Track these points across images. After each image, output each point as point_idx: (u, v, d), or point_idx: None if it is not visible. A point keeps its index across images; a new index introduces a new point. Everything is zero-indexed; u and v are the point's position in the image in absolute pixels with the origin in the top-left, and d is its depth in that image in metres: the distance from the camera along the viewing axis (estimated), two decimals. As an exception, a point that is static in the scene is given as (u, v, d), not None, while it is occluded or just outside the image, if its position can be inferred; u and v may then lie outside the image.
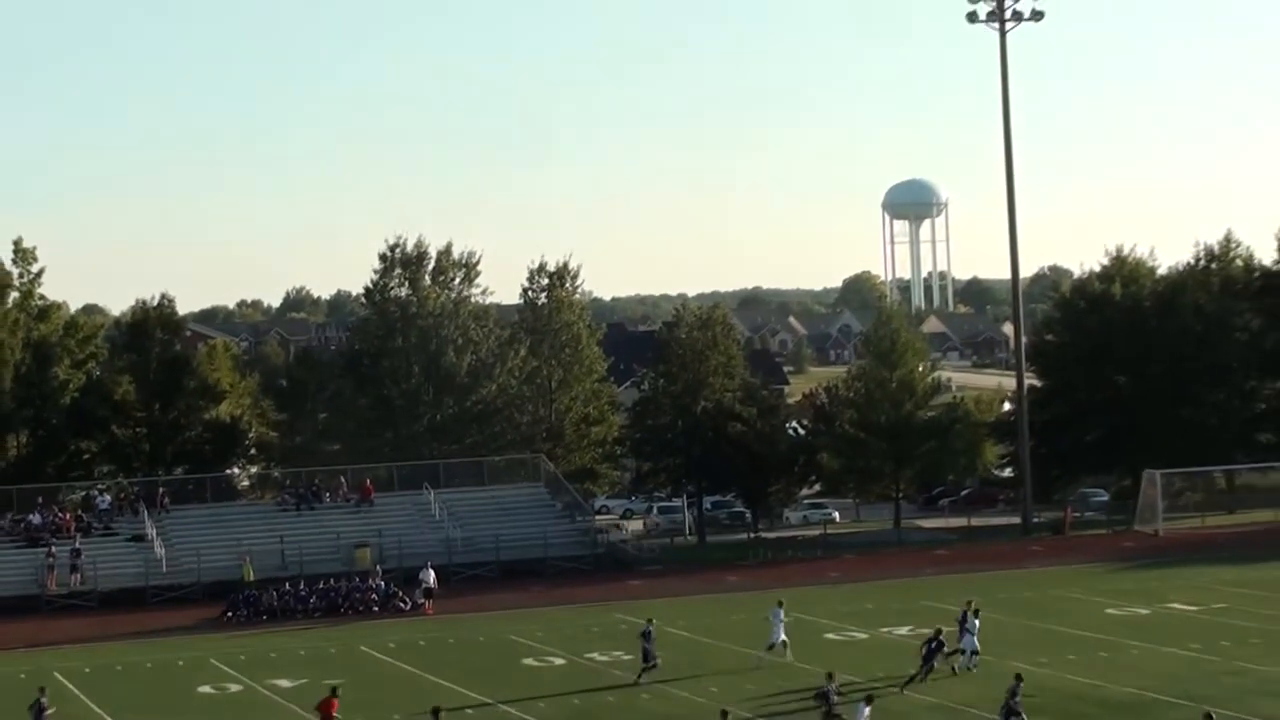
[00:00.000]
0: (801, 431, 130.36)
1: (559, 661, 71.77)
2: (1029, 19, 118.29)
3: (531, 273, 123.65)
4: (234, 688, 69.08)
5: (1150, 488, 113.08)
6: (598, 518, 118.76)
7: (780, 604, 69.20)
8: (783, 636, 67.46)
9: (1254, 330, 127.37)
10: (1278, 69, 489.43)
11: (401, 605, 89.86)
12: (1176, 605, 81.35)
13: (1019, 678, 53.56)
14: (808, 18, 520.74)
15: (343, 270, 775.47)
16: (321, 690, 58.67)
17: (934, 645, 61.13)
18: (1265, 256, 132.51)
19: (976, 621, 66.78)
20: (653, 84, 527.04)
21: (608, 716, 59.75)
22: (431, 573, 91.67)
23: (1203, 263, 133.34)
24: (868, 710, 51.68)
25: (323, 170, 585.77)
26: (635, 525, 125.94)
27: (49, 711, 57.01)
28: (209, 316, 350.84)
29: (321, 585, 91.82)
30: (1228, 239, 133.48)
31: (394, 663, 73.29)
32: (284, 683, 69.00)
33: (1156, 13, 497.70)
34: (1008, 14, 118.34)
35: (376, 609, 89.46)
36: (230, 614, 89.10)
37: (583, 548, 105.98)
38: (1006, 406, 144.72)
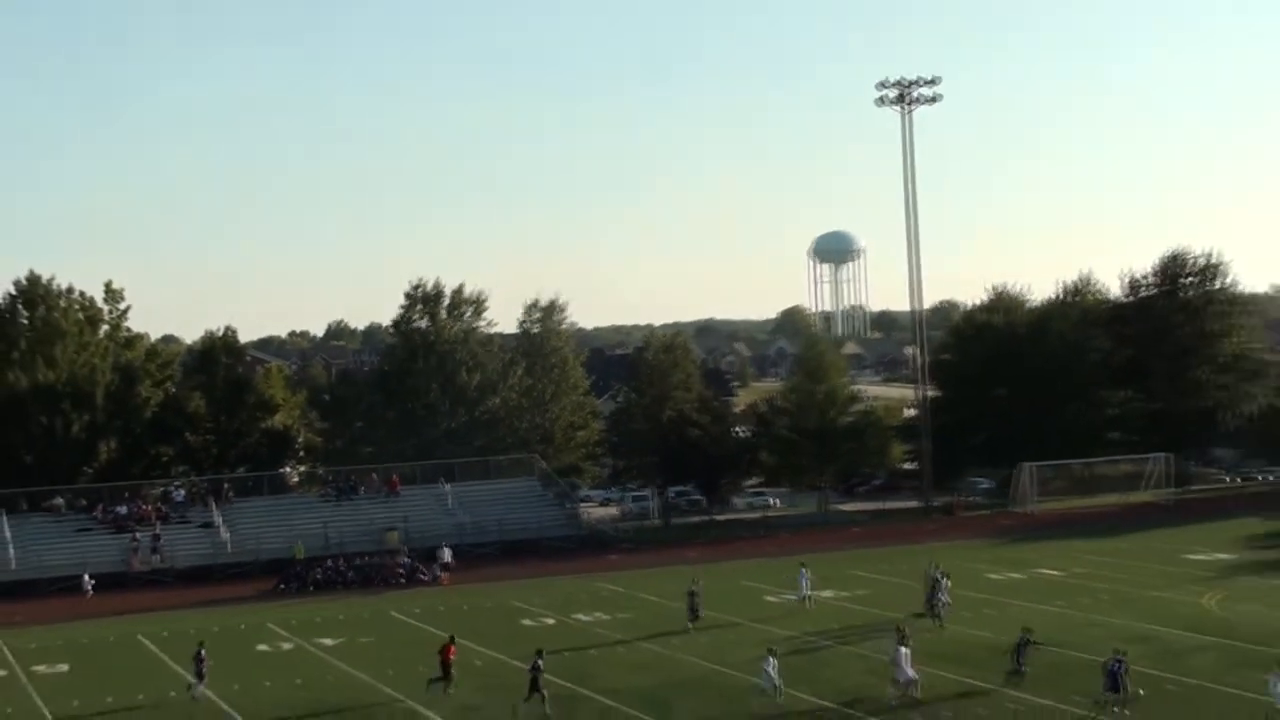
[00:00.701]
0: (746, 434, 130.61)
1: (551, 622, 71.67)
2: (926, 103, 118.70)
3: (527, 307, 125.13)
4: (286, 645, 69.12)
5: (1024, 477, 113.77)
6: (582, 505, 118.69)
7: (804, 565, 72.82)
8: (807, 591, 70.92)
9: (1105, 351, 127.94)
10: (1127, 143, 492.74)
11: (423, 578, 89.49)
12: (1045, 571, 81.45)
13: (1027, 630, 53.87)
14: (750, 91, 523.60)
15: (375, 305, 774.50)
16: (437, 639, 58.80)
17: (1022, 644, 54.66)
18: (1115, 291, 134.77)
19: (947, 581, 67.87)
20: (627, 147, 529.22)
21: (590, 666, 59.40)
22: (448, 551, 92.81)
23: (1065, 297, 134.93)
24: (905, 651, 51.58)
25: (357, 218, 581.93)
26: (612, 511, 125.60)
27: (207, 664, 57.25)
28: (265, 344, 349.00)
29: (358, 562, 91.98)
30: (1085, 278, 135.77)
31: (418, 625, 72.99)
32: (327, 641, 69.04)
33: (1032, 89, 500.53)
34: (907, 100, 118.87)
35: (403, 581, 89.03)
36: (283, 586, 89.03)
37: (570, 530, 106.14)
38: (910, 413, 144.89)
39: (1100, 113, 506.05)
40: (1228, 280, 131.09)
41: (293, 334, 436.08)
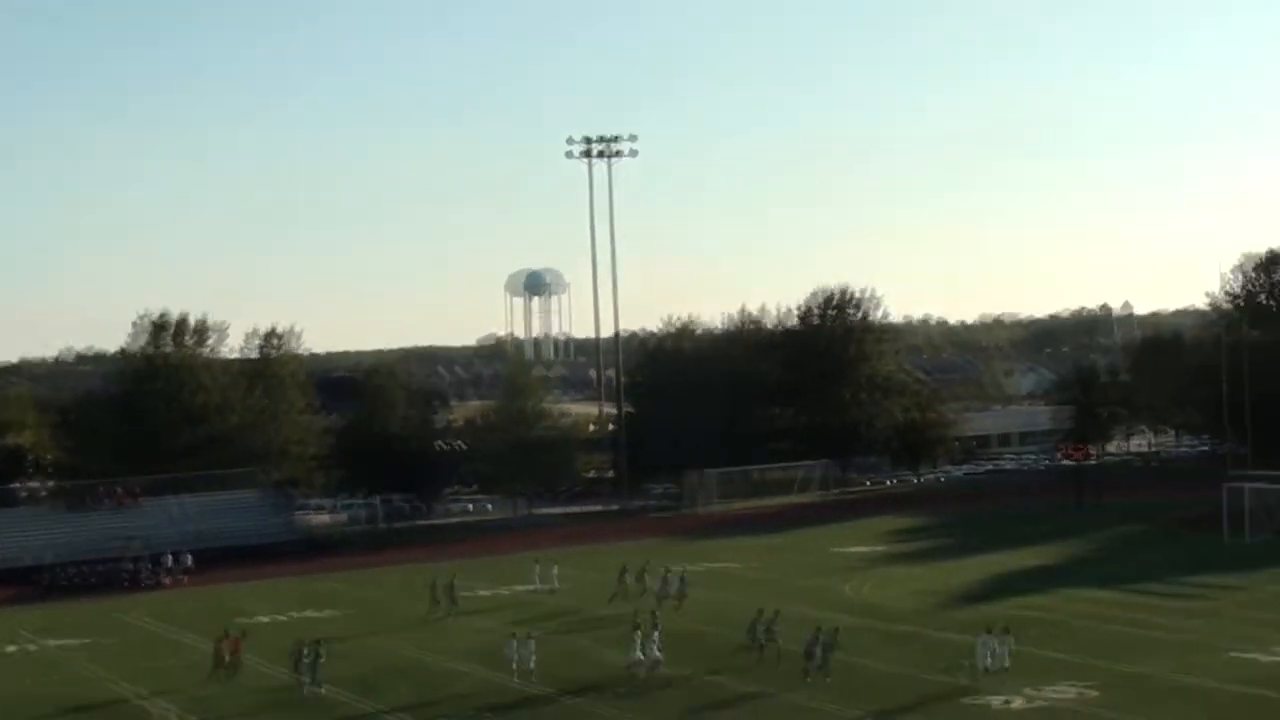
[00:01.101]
0: (457, 448, 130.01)
1: (281, 619, 69.66)
2: (614, 156, 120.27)
3: (261, 335, 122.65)
4: (32, 647, 66.00)
5: (703, 482, 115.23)
6: (306, 513, 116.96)
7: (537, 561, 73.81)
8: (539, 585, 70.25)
9: (771, 373, 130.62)
10: (785, 191, 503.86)
11: (163, 581, 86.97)
12: (724, 564, 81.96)
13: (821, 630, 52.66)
14: (451, 139, 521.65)
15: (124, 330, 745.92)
16: (174, 639, 57.04)
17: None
18: (778, 322, 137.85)
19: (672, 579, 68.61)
20: (356, 187, 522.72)
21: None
22: (183, 556, 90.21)
23: (738, 326, 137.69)
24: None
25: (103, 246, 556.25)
26: (336, 517, 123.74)
27: None
28: (16, 369, 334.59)
29: (101, 568, 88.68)
30: (761, 309, 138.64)
31: (156, 623, 70.71)
32: (72, 642, 66.26)
33: (706, 145, 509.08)
34: (601, 154, 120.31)
35: (144, 584, 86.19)
36: (30, 590, 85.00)
37: (292, 535, 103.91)
38: (605, 428, 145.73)
39: (765, 162, 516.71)
40: (873, 312, 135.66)
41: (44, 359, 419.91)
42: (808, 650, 50.73)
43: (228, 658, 54.96)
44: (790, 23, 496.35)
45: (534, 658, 52.05)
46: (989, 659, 49.09)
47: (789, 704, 46.69)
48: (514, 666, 51.76)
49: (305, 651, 51.99)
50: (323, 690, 51.01)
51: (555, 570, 75.32)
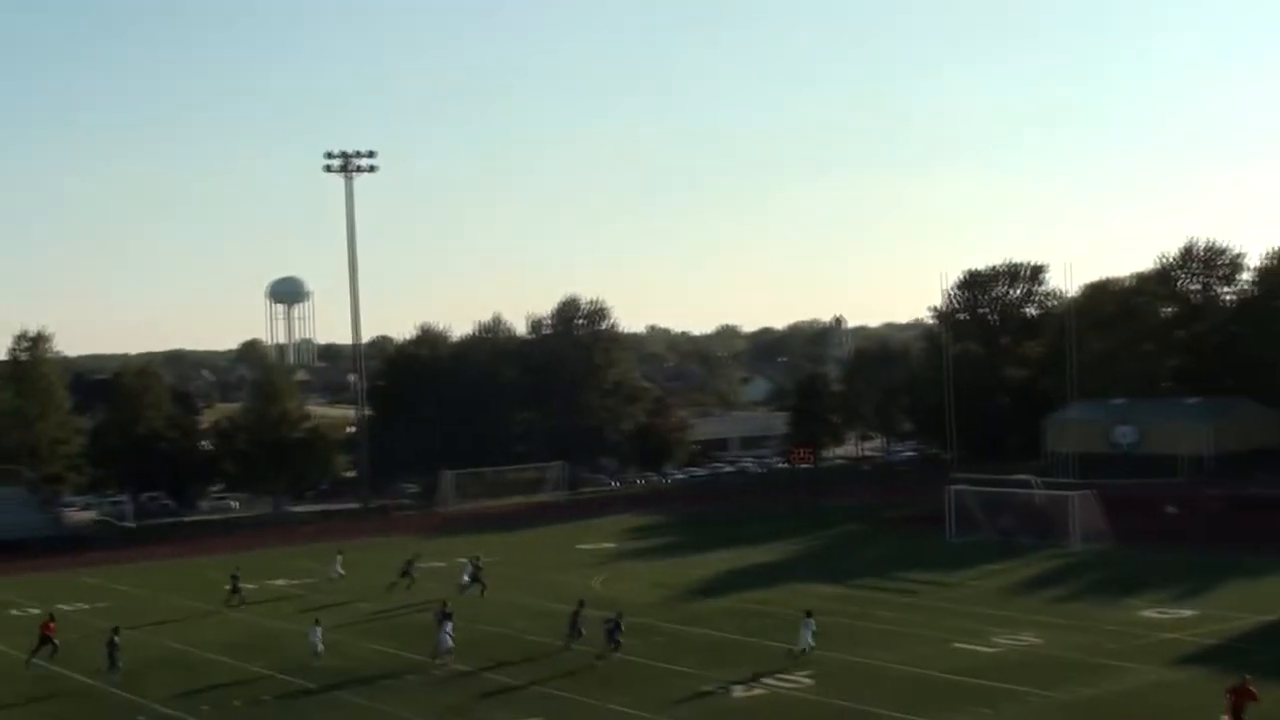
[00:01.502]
0: (211, 447, 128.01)
1: (35, 611, 67.80)
2: (367, 170, 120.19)
3: (15, 338, 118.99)
4: None
5: (446, 482, 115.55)
6: (64, 510, 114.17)
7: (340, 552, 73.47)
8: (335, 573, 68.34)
9: (514, 378, 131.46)
10: (528, 206, 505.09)
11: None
12: (460, 559, 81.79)
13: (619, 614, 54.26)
14: (215, 147, 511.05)
15: None
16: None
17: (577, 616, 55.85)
18: (521, 330, 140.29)
19: (471, 567, 70.65)
20: (118, 196, 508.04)
21: (74, 650, 56.54)
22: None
23: (481, 334, 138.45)
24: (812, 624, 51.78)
25: None
26: (92, 514, 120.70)
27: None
28: None
29: None
30: (497, 318, 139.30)
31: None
32: None
33: (454, 162, 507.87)
34: (350, 167, 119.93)
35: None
36: None
37: (52, 531, 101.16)
38: (351, 430, 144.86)
39: (517, 176, 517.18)
40: (611, 322, 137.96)
41: None
42: (575, 630, 52.99)
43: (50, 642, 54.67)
44: (523, 33, 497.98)
45: (321, 645, 53.38)
46: (810, 642, 51.21)
47: (538, 694, 47.30)
48: (318, 650, 53.10)
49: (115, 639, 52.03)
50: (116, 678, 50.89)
51: (340, 559, 77.23)
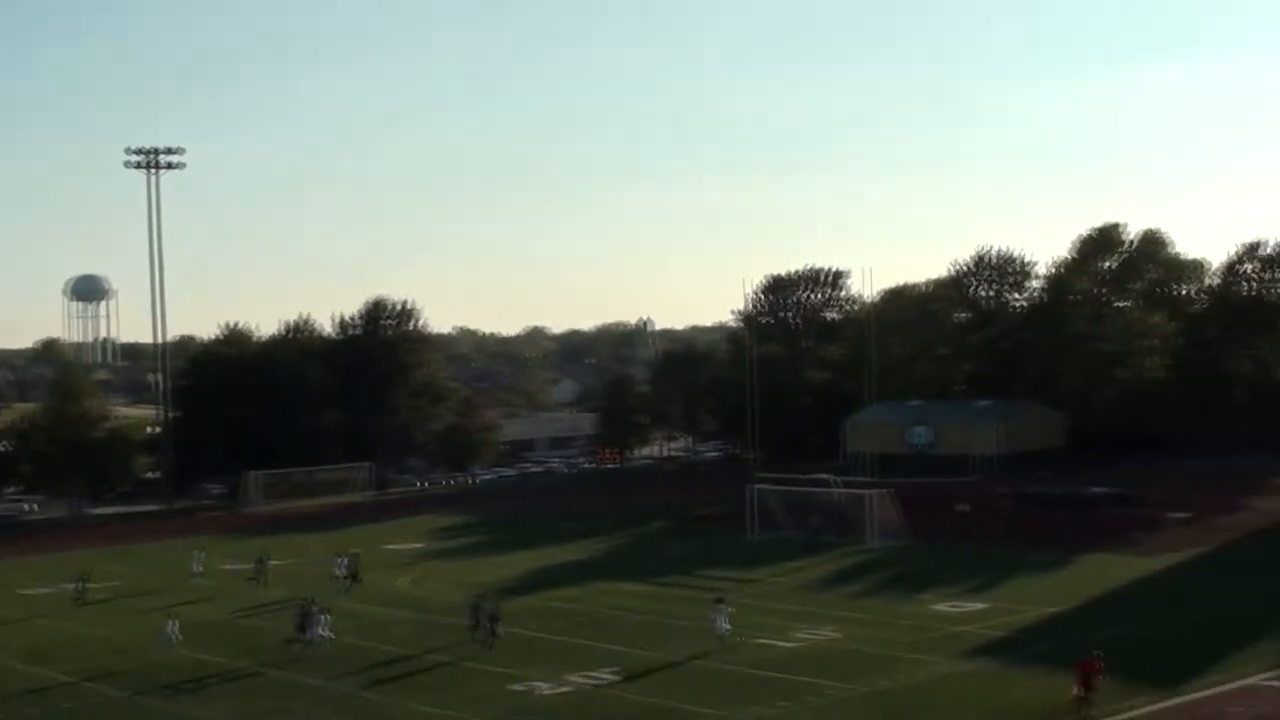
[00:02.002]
0: (9, 448, 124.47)
1: None
2: (174, 168, 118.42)
3: None
4: None
5: (251, 483, 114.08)
6: None
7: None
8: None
9: (321, 378, 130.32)
10: (333, 205, 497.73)
11: None
12: (275, 562, 79.45)
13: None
14: (13, 142, 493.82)
15: None
16: None
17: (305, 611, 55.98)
18: (329, 330, 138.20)
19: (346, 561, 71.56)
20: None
21: None
22: None
23: (288, 334, 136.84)
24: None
25: None
26: None
27: None
28: None
29: None
30: (305, 319, 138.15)
31: None
32: None
33: (266, 161, 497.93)
34: (155, 164, 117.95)
35: None
36: None
37: None
38: (154, 430, 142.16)
39: (326, 176, 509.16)
40: (419, 322, 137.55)
41: None
42: (476, 622, 53.71)
43: None
44: (334, 31, 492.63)
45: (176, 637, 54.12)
46: (725, 625, 52.22)
47: (336, 693, 47.16)
48: (174, 640, 53.81)
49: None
50: None
51: (203, 555, 77.69)
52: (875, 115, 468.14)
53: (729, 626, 52.59)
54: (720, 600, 54.37)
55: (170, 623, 54.94)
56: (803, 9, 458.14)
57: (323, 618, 54.46)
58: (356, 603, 64.68)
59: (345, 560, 72.22)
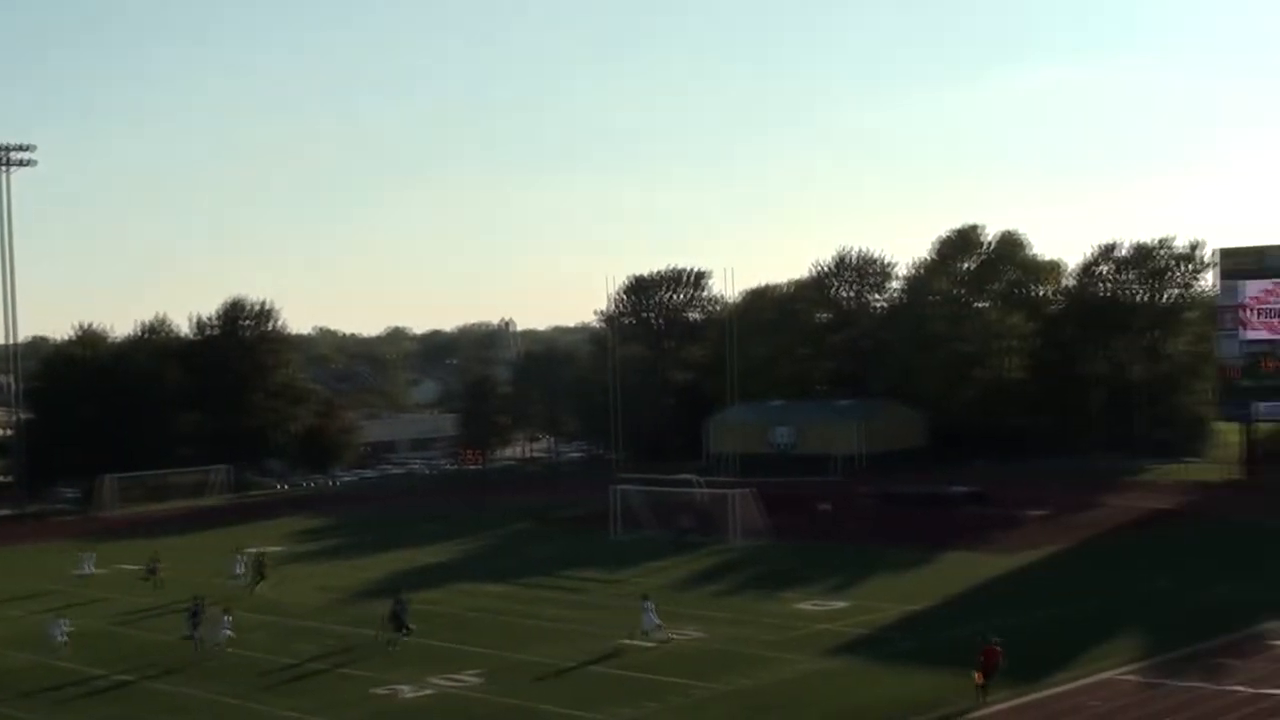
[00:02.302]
0: None
1: None
2: (25, 165, 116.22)
3: None
4: None
5: (106, 486, 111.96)
6: None
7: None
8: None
9: (178, 380, 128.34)
10: (189, 206, 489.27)
11: None
12: (132, 566, 78.68)
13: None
14: None
15: None
16: None
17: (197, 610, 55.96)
18: (186, 331, 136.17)
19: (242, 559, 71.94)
20: None
21: None
22: None
23: (143, 334, 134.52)
24: None
25: None
26: None
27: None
28: None
29: None
30: (161, 319, 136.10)
31: None
32: None
33: (120, 160, 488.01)
34: (4, 161, 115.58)
35: None
36: None
37: None
38: (5, 433, 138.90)
39: (171, 176, 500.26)
40: (277, 323, 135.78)
41: None
42: (393, 618, 53.90)
43: None
44: (187, 29, 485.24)
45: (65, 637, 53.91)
46: (655, 620, 52.40)
47: (196, 700, 46.22)
48: (61, 640, 53.50)
49: None
50: None
51: (92, 556, 76.75)
52: (740, 115, 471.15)
53: (659, 621, 52.83)
54: (646, 597, 54.67)
55: (59, 622, 54.48)
56: (667, 6, 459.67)
57: (226, 619, 53.94)
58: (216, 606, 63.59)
59: (243, 559, 72.13)
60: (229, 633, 53.74)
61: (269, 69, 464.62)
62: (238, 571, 70.90)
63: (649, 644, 52.11)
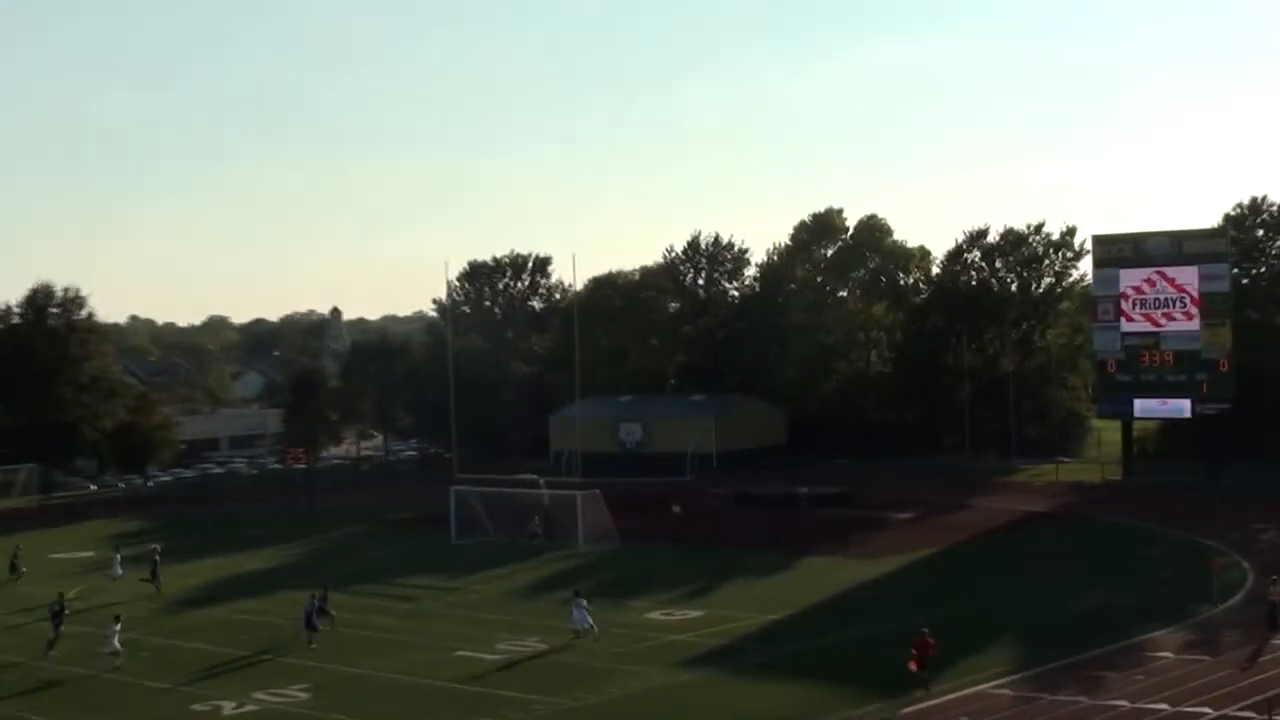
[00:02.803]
0: None
1: None
2: None
3: None
4: None
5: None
6: None
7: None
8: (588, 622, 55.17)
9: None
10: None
11: None
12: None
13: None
14: None
15: None
16: None
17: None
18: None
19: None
20: None
21: None
22: None
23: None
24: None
25: None
26: None
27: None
28: None
29: None
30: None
31: None
32: None
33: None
34: None
35: None
36: None
37: None
38: None
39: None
40: (88, 311, 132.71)
41: None
42: (316, 615, 54.84)
43: None
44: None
45: None
46: (588, 620, 53.01)
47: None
48: None
49: None
50: None
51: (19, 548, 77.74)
52: (581, 94, 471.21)
53: (591, 622, 53.13)
54: (577, 593, 54.82)
55: None
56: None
57: (114, 626, 52.54)
58: (17, 616, 61.97)
59: (119, 559, 72.56)
60: (117, 644, 52.16)
61: (75, 54, 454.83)
62: (117, 573, 70.55)
63: (544, 646, 53.06)
